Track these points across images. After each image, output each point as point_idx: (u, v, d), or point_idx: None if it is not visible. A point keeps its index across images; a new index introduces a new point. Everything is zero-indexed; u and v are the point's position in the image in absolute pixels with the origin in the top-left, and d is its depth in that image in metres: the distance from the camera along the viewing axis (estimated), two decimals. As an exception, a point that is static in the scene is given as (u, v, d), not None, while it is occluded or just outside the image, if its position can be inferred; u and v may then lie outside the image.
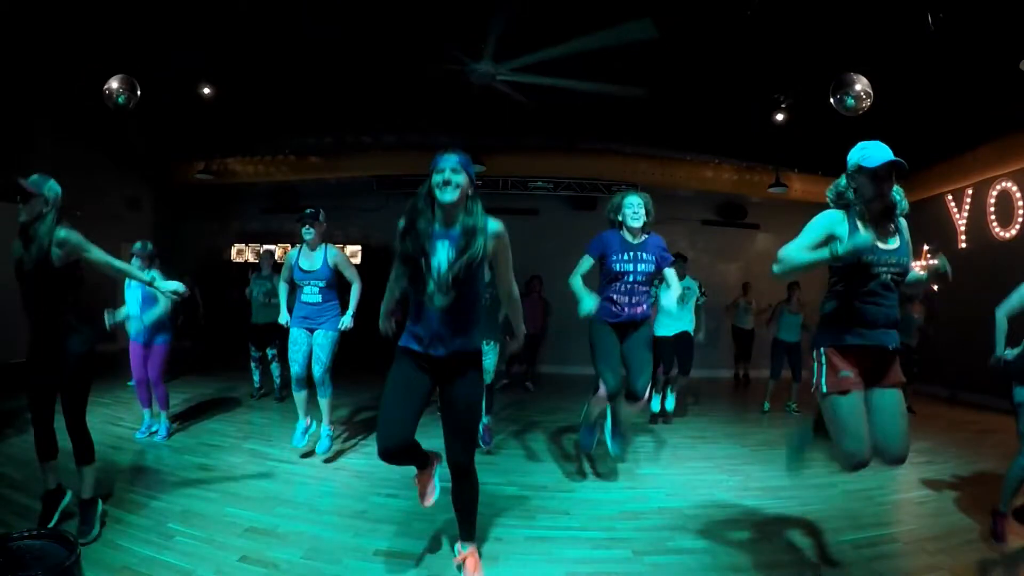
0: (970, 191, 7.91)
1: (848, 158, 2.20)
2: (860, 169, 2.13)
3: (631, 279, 3.35)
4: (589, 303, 3.19)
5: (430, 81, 5.94)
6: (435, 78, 5.83)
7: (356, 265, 9.54)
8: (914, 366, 6.68)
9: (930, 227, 8.54)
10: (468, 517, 2.52)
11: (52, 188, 2.72)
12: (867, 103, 4.87)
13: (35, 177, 2.70)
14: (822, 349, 2.21)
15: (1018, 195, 7.15)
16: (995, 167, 7.27)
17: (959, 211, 8.14)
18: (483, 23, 4.72)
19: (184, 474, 3.71)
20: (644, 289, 3.40)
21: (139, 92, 5.43)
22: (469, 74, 5.63)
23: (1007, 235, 7.32)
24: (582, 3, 4.68)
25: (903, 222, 2.24)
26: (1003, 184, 7.36)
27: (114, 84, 5.33)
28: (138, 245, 4.60)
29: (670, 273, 3.46)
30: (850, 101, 4.85)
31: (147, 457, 4.08)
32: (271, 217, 10.35)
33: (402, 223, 2.26)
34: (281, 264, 4.22)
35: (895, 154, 2.08)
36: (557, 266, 9.41)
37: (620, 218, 3.39)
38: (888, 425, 2.12)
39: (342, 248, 9.89)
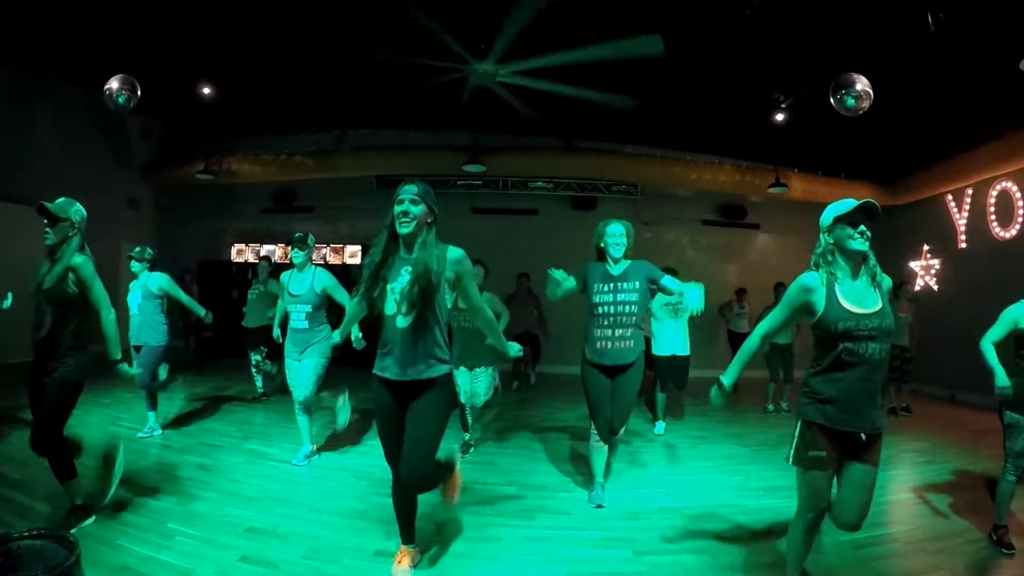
0: (970, 191, 7.90)
1: (821, 221, 2.15)
2: (836, 219, 2.08)
3: (611, 310, 3.35)
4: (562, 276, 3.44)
5: (430, 80, 5.93)
6: (435, 77, 5.82)
7: (355, 265, 9.63)
8: (907, 365, 6.68)
9: (930, 227, 8.55)
10: (407, 523, 2.57)
11: (79, 212, 2.72)
12: (867, 103, 4.86)
13: (61, 201, 2.68)
14: (799, 421, 2.16)
15: (1018, 195, 7.15)
16: (995, 167, 7.25)
17: (959, 211, 8.13)
18: (490, 24, 4.70)
19: (184, 474, 3.72)
20: (631, 322, 3.36)
21: (139, 92, 5.42)
22: (469, 74, 5.63)
23: (1007, 235, 7.32)
24: (591, 10, 4.65)
25: (885, 280, 2.15)
26: (1003, 184, 7.36)
27: (114, 84, 5.32)
28: (136, 250, 4.59)
29: (668, 280, 3.42)
30: (850, 101, 4.84)
31: (147, 457, 4.08)
32: (271, 217, 10.34)
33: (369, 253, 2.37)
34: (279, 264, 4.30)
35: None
36: (557, 266, 9.46)
37: (602, 245, 3.43)
38: (852, 498, 2.12)
39: (341, 249, 9.95)
